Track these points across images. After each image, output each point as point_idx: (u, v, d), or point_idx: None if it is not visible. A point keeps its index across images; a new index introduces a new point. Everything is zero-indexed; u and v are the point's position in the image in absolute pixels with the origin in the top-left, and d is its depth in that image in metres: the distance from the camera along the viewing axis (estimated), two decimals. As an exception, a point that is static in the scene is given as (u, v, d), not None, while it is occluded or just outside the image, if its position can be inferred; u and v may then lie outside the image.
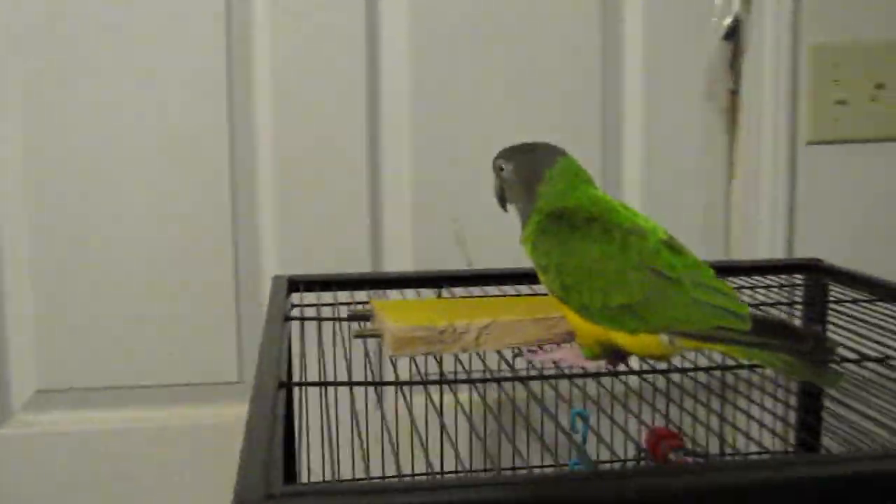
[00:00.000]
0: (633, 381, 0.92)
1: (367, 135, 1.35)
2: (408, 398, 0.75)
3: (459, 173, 1.37)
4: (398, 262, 1.39)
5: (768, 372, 1.12)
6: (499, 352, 0.85)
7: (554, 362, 0.85)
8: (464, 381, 0.81)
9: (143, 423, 1.33)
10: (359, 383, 0.76)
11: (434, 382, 0.77)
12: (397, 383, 0.78)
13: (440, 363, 0.90)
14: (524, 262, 1.22)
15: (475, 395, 0.82)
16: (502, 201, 0.92)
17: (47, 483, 1.33)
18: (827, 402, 1.13)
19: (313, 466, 1.09)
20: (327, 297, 1.01)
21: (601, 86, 1.40)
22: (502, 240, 1.38)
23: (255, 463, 0.53)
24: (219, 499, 1.33)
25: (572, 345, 0.84)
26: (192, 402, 1.35)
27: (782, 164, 1.42)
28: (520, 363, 0.89)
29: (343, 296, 1.01)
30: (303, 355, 0.84)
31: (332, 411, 0.78)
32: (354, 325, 0.93)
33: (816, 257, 1.19)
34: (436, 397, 1.01)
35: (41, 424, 1.33)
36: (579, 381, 0.95)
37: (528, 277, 1.06)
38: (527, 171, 0.88)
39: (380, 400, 1.32)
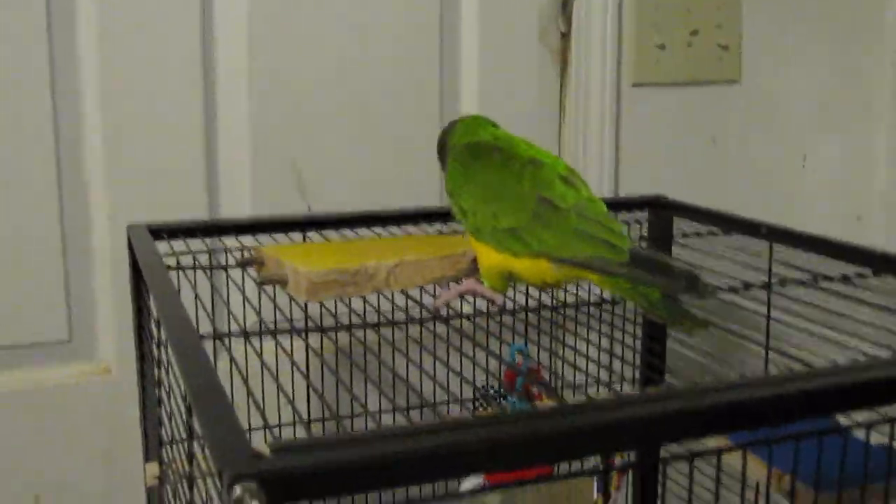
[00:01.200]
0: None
1: (201, 75, 1.28)
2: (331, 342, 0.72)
3: (299, 115, 1.33)
4: (235, 207, 1.33)
5: (625, 307, 1.17)
6: (404, 291, 0.83)
7: (461, 294, 0.87)
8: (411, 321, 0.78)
9: (-36, 391, 1.22)
10: (286, 331, 0.72)
11: (372, 326, 0.74)
12: (335, 328, 0.75)
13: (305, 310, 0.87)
14: (366, 205, 1.21)
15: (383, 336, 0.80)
16: (441, 161, 0.98)
17: None
18: (671, 340, 1.18)
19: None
20: (194, 245, 0.96)
21: (438, 30, 1.39)
22: (342, 183, 1.36)
23: (224, 427, 0.48)
24: (57, 460, 1.25)
25: (476, 278, 0.86)
26: (19, 364, 1.25)
27: (609, 106, 1.47)
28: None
29: (210, 243, 0.96)
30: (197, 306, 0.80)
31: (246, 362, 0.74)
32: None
33: (657, 194, 1.25)
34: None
35: None
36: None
37: (414, 218, 1.07)
38: (442, 135, 0.97)
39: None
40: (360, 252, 0.83)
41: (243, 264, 0.87)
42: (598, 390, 1.25)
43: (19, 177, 1.21)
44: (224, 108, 1.31)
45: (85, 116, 1.24)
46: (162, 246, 0.96)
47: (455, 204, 0.87)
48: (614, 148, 1.48)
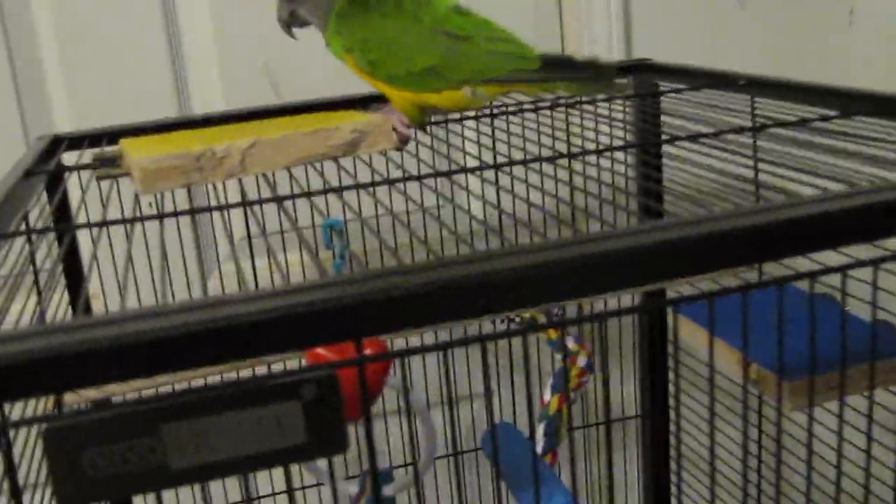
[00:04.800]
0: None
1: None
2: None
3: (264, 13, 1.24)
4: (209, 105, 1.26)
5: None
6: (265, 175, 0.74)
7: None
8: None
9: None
10: (117, 222, 0.64)
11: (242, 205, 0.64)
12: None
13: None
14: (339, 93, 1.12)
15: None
16: (287, 26, 0.92)
17: None
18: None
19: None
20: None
21: None
22: (318, 76, 1.27)
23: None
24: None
25: (395, 110, 0.88)
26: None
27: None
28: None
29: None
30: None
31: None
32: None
33: (648, 58, 1.11)
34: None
35: None
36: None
37: (334, 105, 0.98)
38: None
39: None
40: (222, 135, 0.74)
41: (99, 163, 0.79)
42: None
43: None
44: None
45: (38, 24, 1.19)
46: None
47: (361, 59, 0.87)
48: (623, 6, 1.33)
